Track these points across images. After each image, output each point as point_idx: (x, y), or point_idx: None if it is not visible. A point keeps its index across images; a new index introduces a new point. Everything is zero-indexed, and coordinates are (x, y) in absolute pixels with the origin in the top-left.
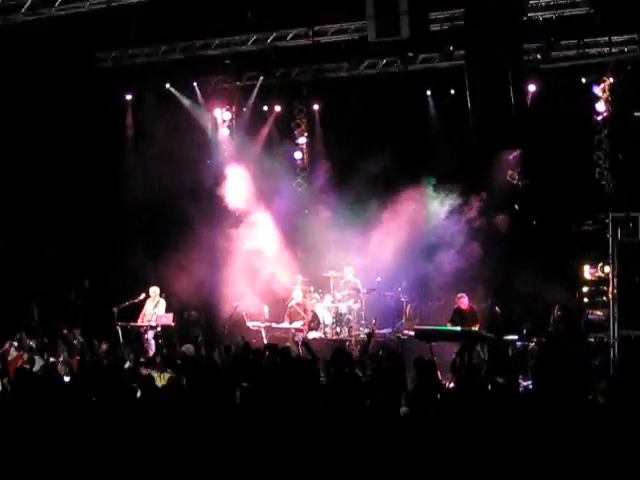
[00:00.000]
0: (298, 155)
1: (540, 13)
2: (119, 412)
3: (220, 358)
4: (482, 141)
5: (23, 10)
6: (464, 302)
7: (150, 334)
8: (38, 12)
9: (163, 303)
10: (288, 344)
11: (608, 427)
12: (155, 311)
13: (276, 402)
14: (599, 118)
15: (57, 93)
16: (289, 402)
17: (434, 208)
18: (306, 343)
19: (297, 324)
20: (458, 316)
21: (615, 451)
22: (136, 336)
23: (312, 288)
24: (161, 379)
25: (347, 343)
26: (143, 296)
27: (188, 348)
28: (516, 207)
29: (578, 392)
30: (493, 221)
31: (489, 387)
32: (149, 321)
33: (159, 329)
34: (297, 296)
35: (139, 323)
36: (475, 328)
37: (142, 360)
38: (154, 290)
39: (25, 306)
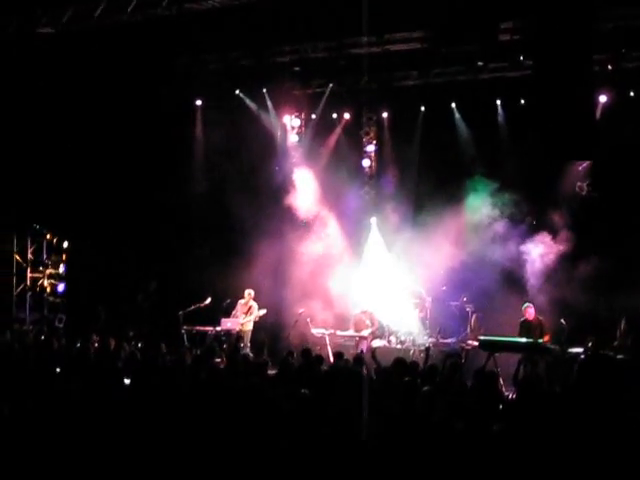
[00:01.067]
0: (366, 163)
1: (611, 22)
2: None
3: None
4: (551, 152)
5: (96, 14)
6: (530, 312)
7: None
8: (111, 17)
9: (255, 305)
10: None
11: None
12: (251, 309)
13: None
14: None
15: (131, 98)
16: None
17: (501, 219)
18: (372, 350)
19: (364, 332)
20: (525, 327)
21: None
22: (200, 340)
23: (377, 296)
24: None
25: (411, 352)
26: (209, 300)
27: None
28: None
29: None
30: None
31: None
32: (243, 324)
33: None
34: (363, 305)
35: (230, 326)
36: (544, 339)
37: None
38: (249, 292)
39: (93, 308)
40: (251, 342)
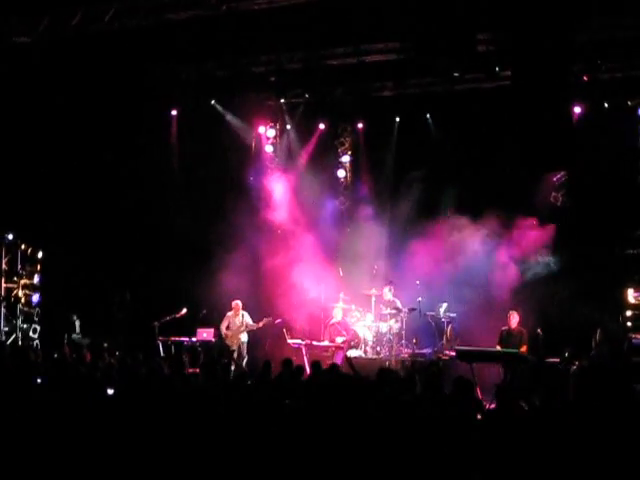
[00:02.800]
0: (341, 173)
1: (586, 34)
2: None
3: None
4: (527, 162)
5: (73, 23)
6: (514, 320)
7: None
8: (88, 27)
9: (247, 314)
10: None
11: None
12: (245, 321)
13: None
14: None
15: (106, 107)
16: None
17: (476, 229)
18: (349, 359)
19: (338, 339)
20: (505, 336)
21: None
22: (176, 351)
23: (353, 306)
24: None
25: (387, 363)
26: (184, 311)
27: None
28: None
29: (620, 416)
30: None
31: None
32: (239, 333)
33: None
34: (338, 315)
35: (227, 338)
36: (521, 349)
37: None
38: (237, 303)
39: (68, 319)
40: (226, 353)
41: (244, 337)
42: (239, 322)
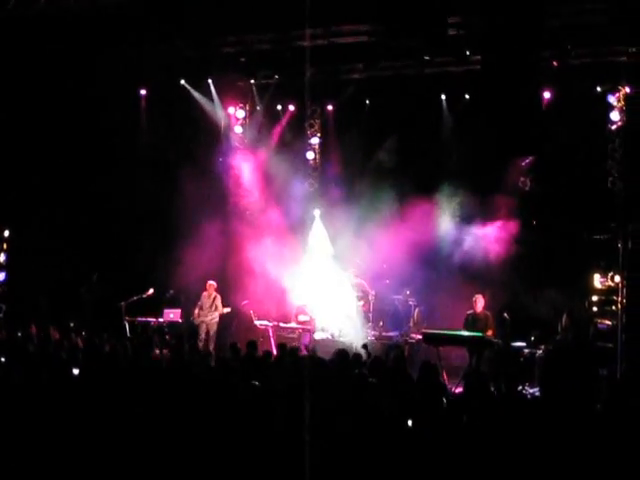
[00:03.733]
0: (310, 155)
1: (557, 19)
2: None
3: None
4: (496, 146)
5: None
6: (479, 304)
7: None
8: (55, 4)
9: (220, 298)
10: (294, 344)
11: (611, 435)
12: (216, 303)
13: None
14: (613, 127)
15: (70, 87)
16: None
17: (444, 213)
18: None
19: (300, 318)
20: (471, 320)
21: (619, 459)
22: (143, 331)
23: (320, 288)
24: None
25: (353, 345)
26: (151, 291)
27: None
28: (534, 222)
29: (585, 400)
30: None
31: (495, 393)
32: (211, 314)
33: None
34: (301, 297)
35: (196, 318)
36: (487, 334)
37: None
38: (210, 284)
39: (34, 298)
40: (194, 334)
41: (213, 318)
42: (209, 303)
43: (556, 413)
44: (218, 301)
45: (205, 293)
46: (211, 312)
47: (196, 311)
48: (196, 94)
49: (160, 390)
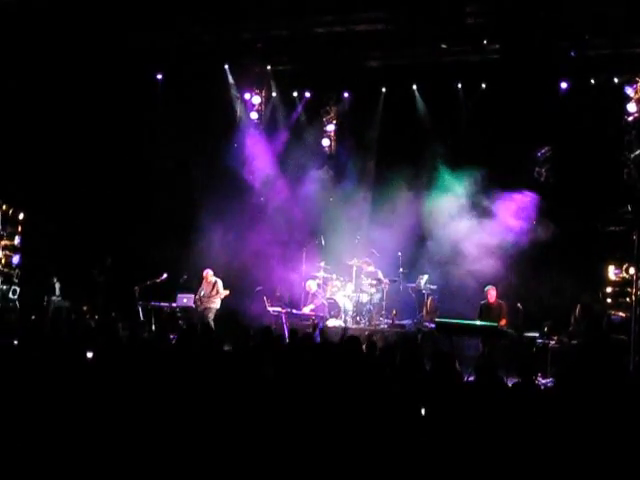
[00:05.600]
0: (326, 142)
1: (575, 10)
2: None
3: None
4: (513, 136)
5: None
6: (492, 295)
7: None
8: None
9: (220, 282)
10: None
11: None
12: (217, 288)
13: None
14: (630, 119)
15: (88, 71)
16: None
17: (459, 202)
18: (322, 329)
19: (305, 309)
20: (484, 310)
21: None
22: (156, 316)
23: (334, 276)
24: None
25: (366, 332)
26: (165, 276)
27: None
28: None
29: (598, 392)
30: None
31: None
32: (209, 301)
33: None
34: (312, 286)
35: (200, 305)
36: (500, 323)
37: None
38: (207, 272)
39: (48, 281)
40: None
41: (215, 304)
42: (210, 288)
43: (569, 404)
44: (219, 285)
45: (204, 280)
46: (213, 297)
47: (197, 297)
48: (212, 80)
49: (173, 374)
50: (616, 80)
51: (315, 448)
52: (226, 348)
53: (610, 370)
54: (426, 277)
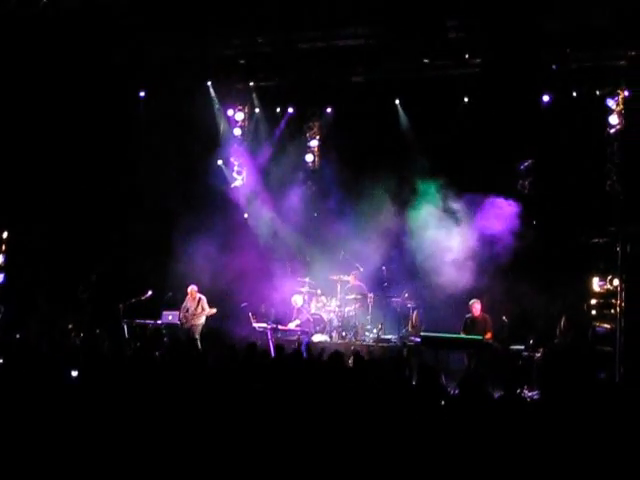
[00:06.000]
0: (309, 158)
1: (557, 23)
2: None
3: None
4: (495, 149)
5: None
6: (477, 308)
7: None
8: (56, 6)
9: (205, 299)
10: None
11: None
12: (202, 305)
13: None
14: (612, 131)
15: (70, 88)
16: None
17: (443, 217)
18: (308, 344)
19: (291, 325)
20: (469, 324)
21: (619, 460)
22: (141, 333)
23: (319, 291)
24: None
25: (352, 347)
26: (150, 293)
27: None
28: (533, 225)
29: (583, 403)
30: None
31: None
32: (194, 317)
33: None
34: (298, 300)
35: (185, 322)
36: (486, 336)
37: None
38: (191, 288)
39: (33, 300)
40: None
41: (201, 321)
42: (195, 305)
43: (555, 416)
44: (204, 302)
45: (188, 297)
46: (197, 315)
47: (181, 315)
48: (195, 96)
49: (159, 391)
50: (598, 92)
51: (303, 462)
52: (212, 365)
53: (596, 382)
54: (410, 291)
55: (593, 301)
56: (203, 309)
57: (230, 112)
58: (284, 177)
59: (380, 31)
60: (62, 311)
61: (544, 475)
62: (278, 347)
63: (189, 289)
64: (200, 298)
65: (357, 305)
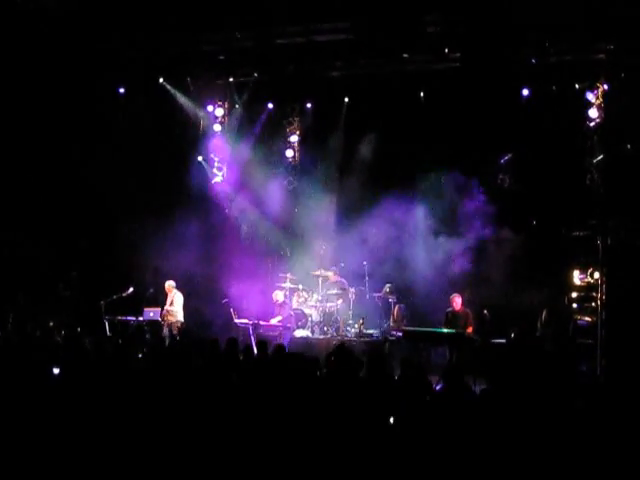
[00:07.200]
0: (289, 153)
1: (535, 17)
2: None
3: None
4: (474, 143)
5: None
6: (457, 302)
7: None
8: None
9: (179, 296)
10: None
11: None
12: (176, 300)
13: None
14: (591, 124)
15: (47, 84)
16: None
17: (423, 210)
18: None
19: (273, 321)
20: (450, 317)
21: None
22: (123, 330)
23: (300, 286)
24: None
25: (334, 342)
26: (131, 290)
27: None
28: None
29: (563, 396)
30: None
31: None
32: (168, 314)
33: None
34: (279, 296)
35: (162, 318)
36: (467, 330)
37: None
38: (168, 284)
39: (13, 296)
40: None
41: (176, 317)
42: (168, 303)
43: (535, 410)
44: (175, 298)
45: (169, 293)
46: (169, 311)
47: (163, 312)
48: (175, 92)
49: (141, 389)
50: (577, 86)
51: (286, 458)
52: (194, 361)
53: (577, 375)
54: (391, 285)
55: (574, 294)
56: (172, 305)
57: (210, 108)
58: (265, 172)
59: (359, 26)
60: (43, 308)
61: (528, 468)
62: (260, 343)
63: (166, 285)
64: (174, 294)
65: (339, 300)
